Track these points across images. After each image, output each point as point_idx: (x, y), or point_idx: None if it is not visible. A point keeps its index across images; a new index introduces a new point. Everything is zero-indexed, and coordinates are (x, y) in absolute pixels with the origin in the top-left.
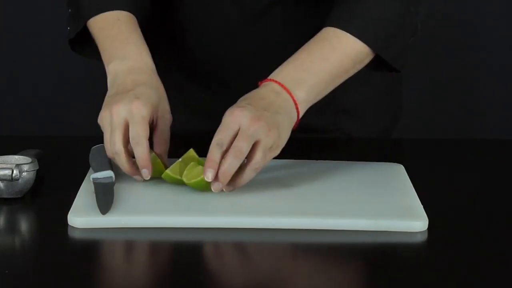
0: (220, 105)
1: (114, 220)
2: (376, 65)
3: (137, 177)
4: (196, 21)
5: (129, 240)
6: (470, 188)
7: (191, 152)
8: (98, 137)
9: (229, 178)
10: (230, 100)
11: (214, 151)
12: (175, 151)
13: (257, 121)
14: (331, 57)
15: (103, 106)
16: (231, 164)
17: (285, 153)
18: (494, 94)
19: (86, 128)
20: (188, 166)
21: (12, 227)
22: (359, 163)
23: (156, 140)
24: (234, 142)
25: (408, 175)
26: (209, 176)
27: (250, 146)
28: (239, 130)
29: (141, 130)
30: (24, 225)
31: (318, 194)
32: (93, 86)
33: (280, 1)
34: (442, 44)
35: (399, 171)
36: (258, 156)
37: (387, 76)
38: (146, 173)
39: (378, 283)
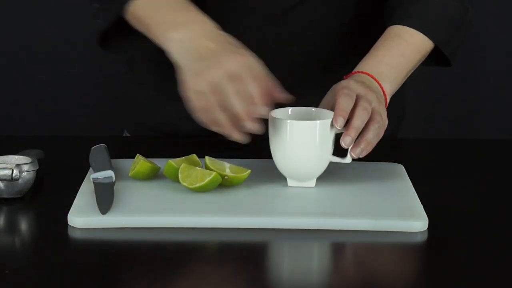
0: None
1: (114, 220)
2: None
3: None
4: (220, 19)
5: (129, 240)
6: (470, 188)
7: (194, 157)
8: (98, 137)
9: (358, 131)
10: None
11: (345, 101)
12: (180, 151)
13: (370, 91)
14: (407, 52)
15: (190, 76)
16: (361, 117)
17: None
18: (494, 94)
19: (86, 128)
20: (185, 169)
21: (12, 227)
22: (359, 163)
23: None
24: (359, 103)
25: (408, 175)
26: (340, 123)
27: (371, 109)
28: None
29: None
30: (24, 225)
31: (318, 194)
32: (94, 86)
33: (307, 0)
34: None
35: (399, 171)
36: (377, 116)
37: None
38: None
39: (378, 283)
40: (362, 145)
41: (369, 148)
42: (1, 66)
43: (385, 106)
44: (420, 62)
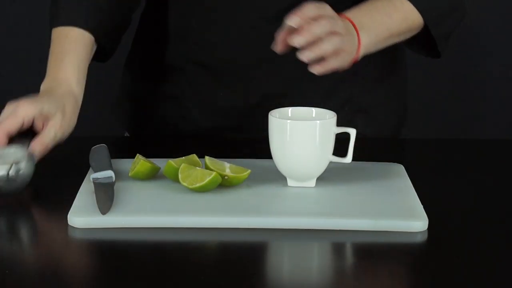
0: (234, 102)
1: (114, 220)
2: (413, 44)
3: None
4: (218, 19)
5: (129, 240)
6: (470, 188)
7: (194, 157)
8: (98, 137)
9: (312, 36)
10: (246, 98)
11: (310, 7)
12: (180, 151)
13: (342, 21)
14: (394, 16)
15: None
16: (321, 26)
17: None
18: (494, 94)
19: (86, 128)
20: (185, 169)
21: (12, 227)
22: (359, 163)
23: (36, 139)
24: (324, 18)
25: (408, 175)
26: (294, 21)
27: (331, 26)
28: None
29: (7, 122)
30: (24, 225)
31: (318, 194)
32: (93, 86)
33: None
34: None
35: (399, 171)
36: (338, 35)
37: (397, 76)
38: None
39: (378, 283)
40: (313, 51)
41: (325, 66)
42: (1, 66)
43: (356, 56)
44: (405, 33)
